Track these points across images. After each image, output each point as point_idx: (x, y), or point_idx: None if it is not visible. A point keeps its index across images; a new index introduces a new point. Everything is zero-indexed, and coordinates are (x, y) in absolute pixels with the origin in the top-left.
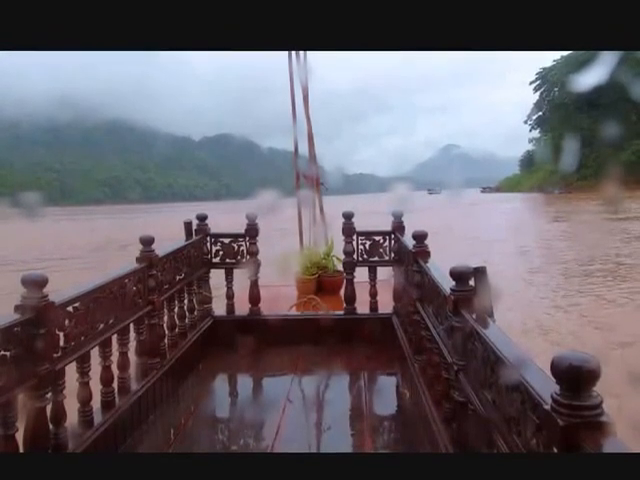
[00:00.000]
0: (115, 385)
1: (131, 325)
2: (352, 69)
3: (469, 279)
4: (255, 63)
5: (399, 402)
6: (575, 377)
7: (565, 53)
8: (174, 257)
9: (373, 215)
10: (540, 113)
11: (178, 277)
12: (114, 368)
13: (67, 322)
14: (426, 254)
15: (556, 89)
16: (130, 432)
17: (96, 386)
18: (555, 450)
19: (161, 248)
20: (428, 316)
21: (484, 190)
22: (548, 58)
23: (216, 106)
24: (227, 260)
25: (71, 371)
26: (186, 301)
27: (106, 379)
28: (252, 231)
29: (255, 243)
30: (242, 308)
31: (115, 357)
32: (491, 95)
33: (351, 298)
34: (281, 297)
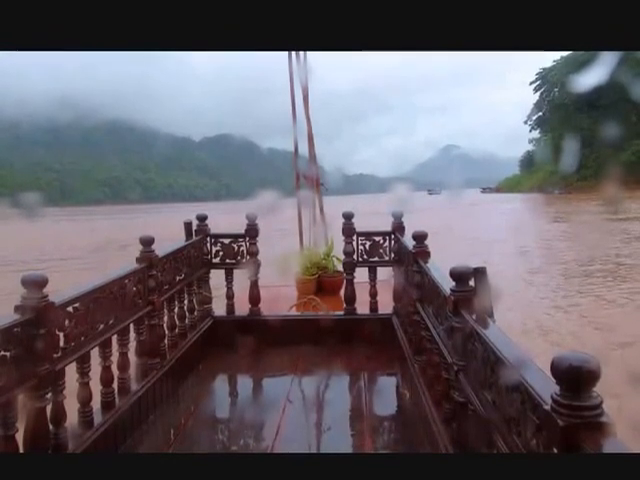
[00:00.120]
0: (115, 385)
1: (131, 325)
2: (352, 69)
3: (469, 279)
4: (255, 63)
5: (399, 402)
6: (575, 377)
7: (565, 53)
8: (174, 257)
9: (373, 215)
10: (540, 113)
11: (178, 277)
12: (114, 368)
13: (67, 322)
14: (426, 254)
15: (556, 89)
16: (130, 432)
17: (96, 386)
18: (555, 450)
19: (161, 248)
20: (428, 316)
21: (484, 190)
22: (548, 58)
23: (216, 106)
24: (227, 260)
25: (71, 371)
26: (186, 301)
27: (106, 379)
28: (252, 231)
29: (255, 243)
30: (242, 308)
31: (115, 357)
32: (491, 95)
33: (351, 298)
34: (281, 297)
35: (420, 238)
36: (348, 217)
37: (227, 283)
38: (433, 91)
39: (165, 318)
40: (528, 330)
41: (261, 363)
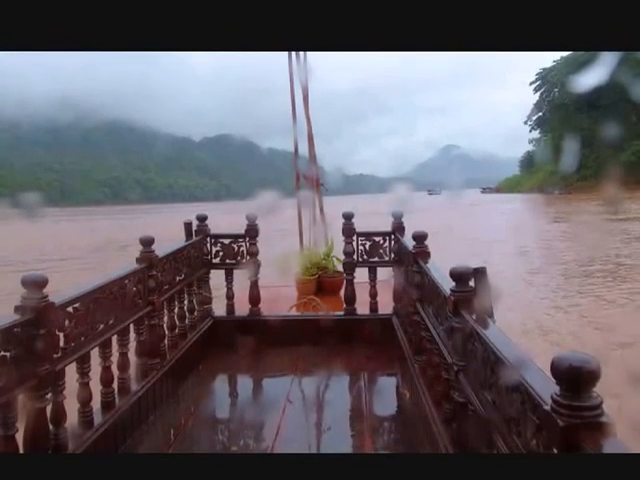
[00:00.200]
0: (115, 386)
1: (131, 326)
2: (352, 70)
3: (469, 280)
4: (255, 64)
5: (399, 403)
6: (575, 378)
7: (565, 54)
8: (174, 258)
9: (373, 216)
10: (540, 114)
11: (178, 278)
12: (114, 369)
13: (67, 323)
14: (426, 255)
15: (556, 90)
16: (130, 432)
17: (96, 387)
18: (555, 451)
19: (161, 249)
20: (428, 317)
21: (484, 191)
22: (548, 58)
23: (216, 107)
24: (227, 261)
25: (71, 372)
26: (186, 302)
27: (106, 380)
28: (252, 232)
29: (255, 244)
30: (242, 309)
31: (115, 358)
32: (491, 95)
33: (351, 299)
34: (281, 298)
35: (420, 238)
36: (348, 217)
37: (227, 283)
38: (433, 91)
39: (165, 318)
40: (528, 330)
41: (261, 363)
